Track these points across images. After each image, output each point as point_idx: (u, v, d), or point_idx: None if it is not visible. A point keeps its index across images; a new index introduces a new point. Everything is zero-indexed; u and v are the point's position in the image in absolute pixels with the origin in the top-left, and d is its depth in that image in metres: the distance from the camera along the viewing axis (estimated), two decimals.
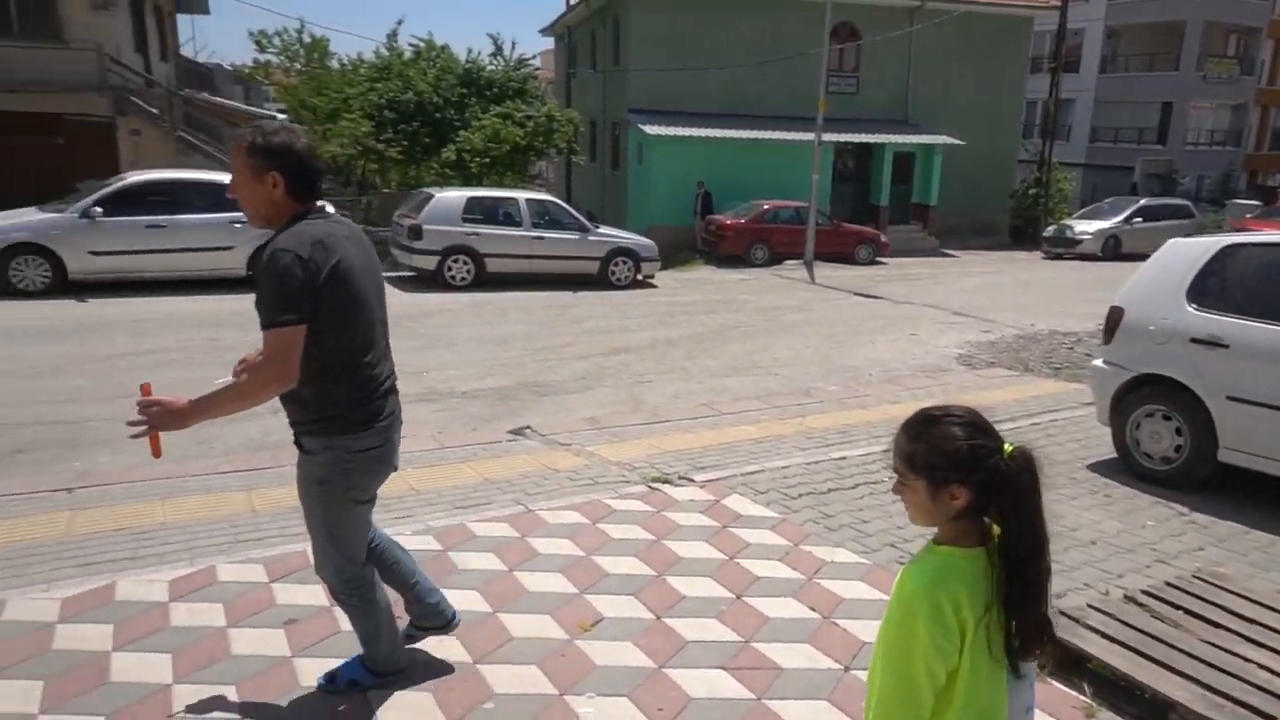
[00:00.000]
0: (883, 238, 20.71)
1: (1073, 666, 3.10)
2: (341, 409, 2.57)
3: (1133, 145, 36.39)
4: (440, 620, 3.10)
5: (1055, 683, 3.08)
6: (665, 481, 5.12)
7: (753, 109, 22.51)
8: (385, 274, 2.95)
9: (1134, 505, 4.98)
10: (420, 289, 13.61)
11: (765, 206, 19.64)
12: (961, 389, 8.03)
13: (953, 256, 22.38)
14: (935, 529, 1.65)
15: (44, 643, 3.21)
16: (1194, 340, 4.98)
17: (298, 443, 2.69)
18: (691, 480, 5.14)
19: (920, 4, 23.27)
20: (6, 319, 9.93)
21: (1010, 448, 1.58)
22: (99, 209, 11.50)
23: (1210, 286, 5.04)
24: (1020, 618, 1.60)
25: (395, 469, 2.80)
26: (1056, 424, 6.68)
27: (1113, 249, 21.89)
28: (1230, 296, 4.97)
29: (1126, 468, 5.46)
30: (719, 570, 3.88)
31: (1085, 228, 22.35)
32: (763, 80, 22.47)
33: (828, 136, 19.31)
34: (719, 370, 8.88)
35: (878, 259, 20.21)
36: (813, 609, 3.57)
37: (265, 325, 2.38)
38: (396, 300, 12.76)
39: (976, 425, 1.59)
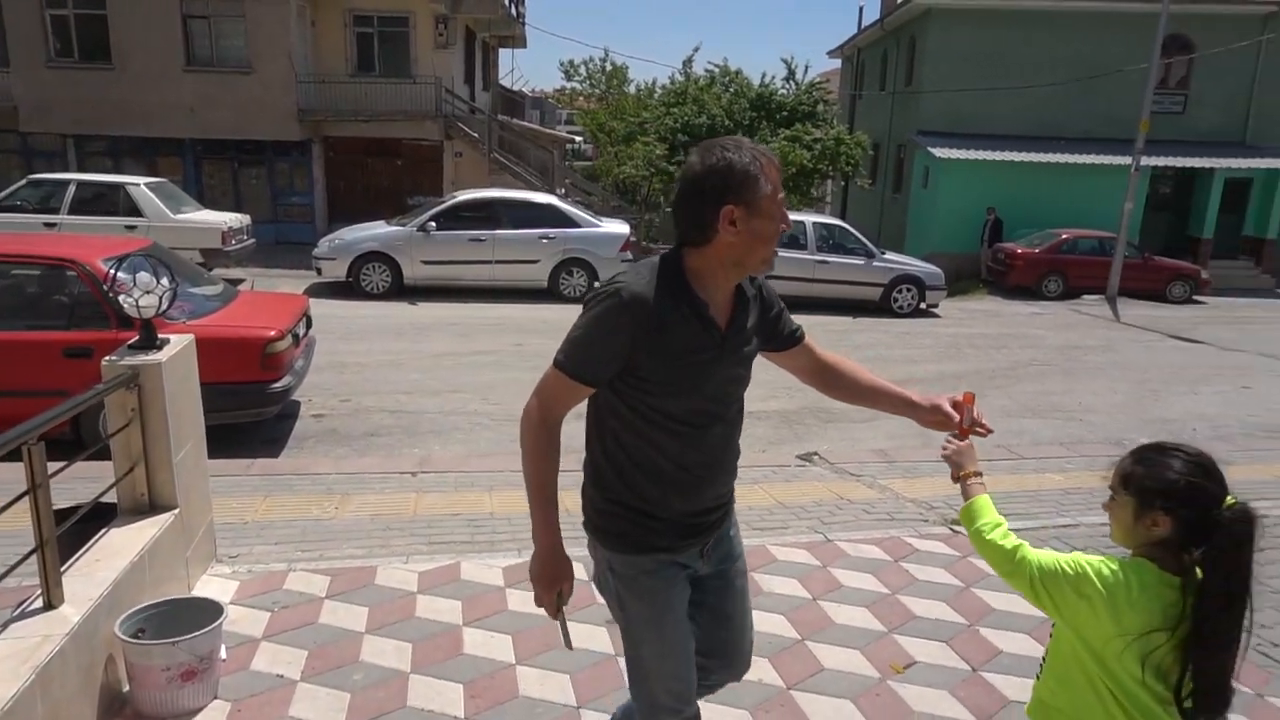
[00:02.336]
0: (1203, 274, 18.43)
1: None
2: None
3: None
4: None
5: None
6: None
7: (1056, 131, 20.91)
8: None
9: None
10: None
11: (1063, 236, 18.20)
12: None
13: None
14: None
15: (409, 609, 3.69)
16: None
17: (720, 523, 2.14)
18: None
19: (1276, 8, 20.40)
20: (356, 316, 11.54)
21: (1233, 500, 1.61)
22: (433, 224, 13.04)
23: None
24: (1204, 665, 1.60)
25: None
26: None
27: None
28: None
29: None
30: (1038, 629, 3.65)
31: None
32: (1070, 100, 20.77)
33: (1145, 160, 17.51)
34: (1014, 410, 8.35)
35: (1195, 298, 18.03)
36: None
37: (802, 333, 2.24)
38: None
39: (1204, 467, 1.64)
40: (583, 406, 2.02)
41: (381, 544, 4.39)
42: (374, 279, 13.07)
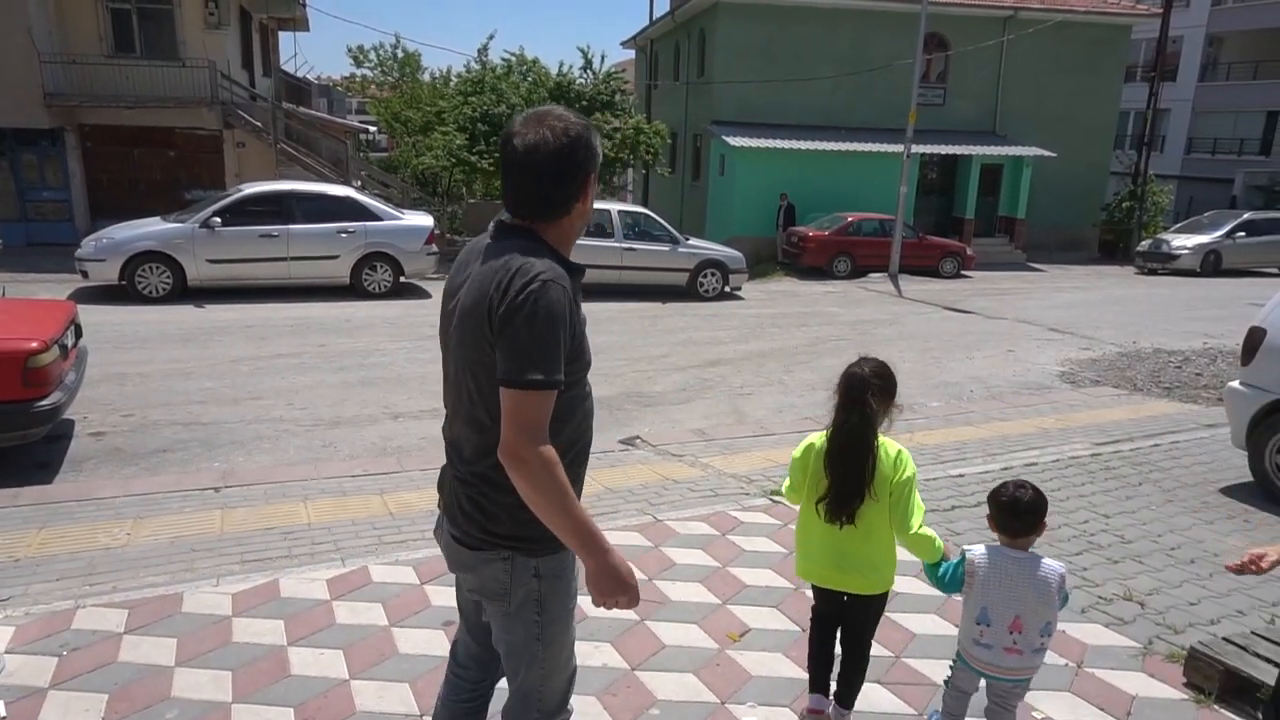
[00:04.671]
0: (968, 251, 20.36)
1: (1243, 695, 3.03)
2: None
3: (1233, 157, 34.87)
4: None
5: (1225, 711, 3.02)
6: None
7: (838, 121, 22.36)
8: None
9: (1277, 532, 4.82)
10: None
11: (849, 219, 19.49)
12: (1071, 407, 7.84)
13: (1040, 271, 21.83)
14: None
15: (225, 635, 3.41)
16: None
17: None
18: None
19: (1013, 13, 22.79)
20: (135, 322, 10.49)
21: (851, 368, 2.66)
22: (218, 219, 12.06)
23: None
24: (834, 478, 2.61)
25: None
26: (1179, 445, 6.49)
27: (1213, 265, 21.11)
28: None
29: (1264, 493, 5.29)
30: None
31: (1183, 242, 21.56)
32: (849, 92, 22.31)
33: (914, 148, 19.06)
34: (817, 384, 8.85)
35: (963, 272, 19.87)
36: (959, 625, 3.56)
37: None
38: None
39: (858, 361, 2.71)
40: (437, 425, 1.88)
41: (186, 568, 4.02)
42: (152, 281, 11.93)
